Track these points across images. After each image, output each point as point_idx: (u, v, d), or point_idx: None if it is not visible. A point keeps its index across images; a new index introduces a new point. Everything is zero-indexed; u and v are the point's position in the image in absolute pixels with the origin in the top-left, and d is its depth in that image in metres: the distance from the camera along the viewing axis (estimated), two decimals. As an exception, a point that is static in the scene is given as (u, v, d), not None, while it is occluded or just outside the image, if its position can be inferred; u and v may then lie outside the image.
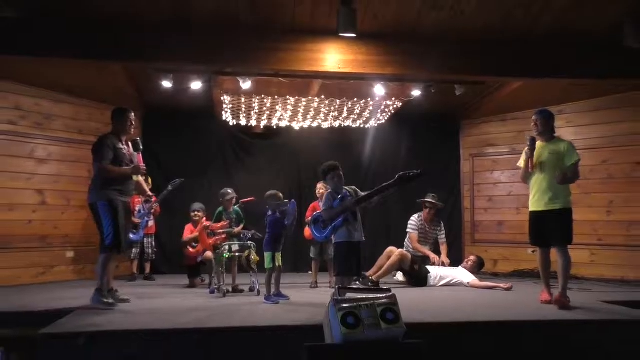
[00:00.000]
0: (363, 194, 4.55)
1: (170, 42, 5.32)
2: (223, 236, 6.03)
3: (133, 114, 4.98)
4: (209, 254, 6.13)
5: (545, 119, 5.03)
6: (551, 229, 4.85)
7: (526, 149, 4.99)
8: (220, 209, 6.25)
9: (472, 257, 6.81)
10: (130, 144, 4.95)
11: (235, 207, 6.26)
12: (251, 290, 5.75)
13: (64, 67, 5.97)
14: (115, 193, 4.70)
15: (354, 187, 4.70)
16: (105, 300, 4.59)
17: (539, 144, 5.02)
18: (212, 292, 5.73)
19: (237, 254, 5.73)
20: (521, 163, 5.10)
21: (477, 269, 6.75)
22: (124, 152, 4.80)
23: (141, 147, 4.98)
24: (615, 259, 6.92)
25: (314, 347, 3.28)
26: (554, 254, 4.92)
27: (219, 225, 6.15)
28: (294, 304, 4.91)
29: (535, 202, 4.96)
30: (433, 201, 6.98)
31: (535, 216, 4.99)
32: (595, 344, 3.98)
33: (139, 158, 4.95)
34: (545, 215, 4.88)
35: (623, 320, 4.26)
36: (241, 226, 6.17)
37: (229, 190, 6.28)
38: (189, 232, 6.55)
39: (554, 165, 4.85)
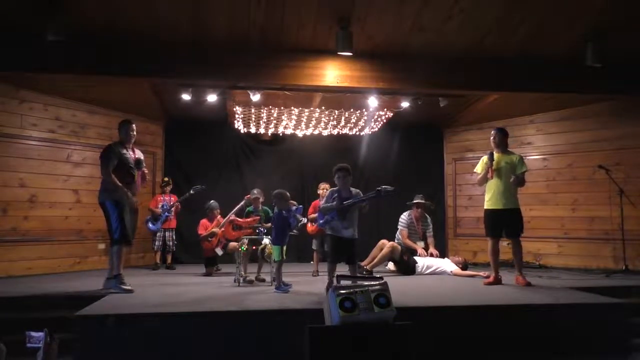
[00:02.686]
0: (351, 200, 4.48)
1: (191, 60, 5.35)
2: (248, 230, 5.91)
3: (134, 125, 5.01)
4: (233, 244, 6.00)
5: (501, 136, 5.39)
6: (506, 224, 5.19)
7: (486, 160, 5.27)
8: (250, 207, 6.20)
9: (461, 259, 6.69)
10: (136, 150, 5.01)
11: (264, 206, 6.14)
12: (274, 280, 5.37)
13: (98, 83, 5.95)
14: (120, 193, 4.72)
15: (358, 190, 4.68)
16: (125, 287, 4.61)
17: (496, 155, 5.30)
18: (235, 280, 5.40)
19: (254, 247, 5.60)
20: (478, 169, 5.41)
21: (460, 267, 6.61)
22: (127, 157, 4.85)
23: (143, 166, 4.98)
24: (579, 250, 6.91)
25: (315, 328, 3.28)
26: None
27: (248, 220, 6.03)
28: (297, 291, 4.88)
29: (493, 202, 5.22)
30: (422, 201, 6.87)
31: (492, 213, 5.24)
32: (561, 325, 3.98)
33: (138, 174, 4.93)
34: (501, 212, 5.18)
35: (585, 304, 4.25)
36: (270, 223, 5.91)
37: (254, 191, 6.21)
38: (203, 226, 6.47)
39: (508, 173, 5.18)
